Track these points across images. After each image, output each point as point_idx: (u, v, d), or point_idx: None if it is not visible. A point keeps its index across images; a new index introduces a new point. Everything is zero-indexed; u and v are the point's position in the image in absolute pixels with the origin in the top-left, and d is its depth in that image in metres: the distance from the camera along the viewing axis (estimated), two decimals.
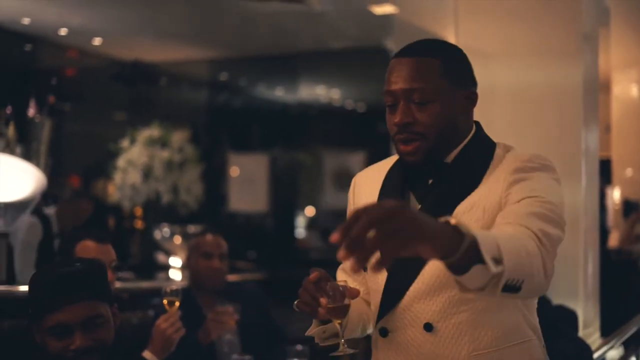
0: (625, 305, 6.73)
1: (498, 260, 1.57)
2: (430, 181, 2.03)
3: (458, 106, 2.02)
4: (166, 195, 8.00)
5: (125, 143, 8.18)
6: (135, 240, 8.47)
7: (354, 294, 1.97)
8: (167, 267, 7.02)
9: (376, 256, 1.44)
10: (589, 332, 4.38)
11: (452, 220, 1.53)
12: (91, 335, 2.31)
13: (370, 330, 2.19)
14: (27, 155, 6.66)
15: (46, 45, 9.32)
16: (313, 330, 2.07)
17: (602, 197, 9.93)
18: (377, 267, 1.48)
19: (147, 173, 7.94)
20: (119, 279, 6.56)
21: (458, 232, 1.52)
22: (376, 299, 2.06)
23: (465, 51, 4.49)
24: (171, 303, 3.09)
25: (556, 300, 3.96)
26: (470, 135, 2.07)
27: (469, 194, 1.98)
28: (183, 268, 6.37)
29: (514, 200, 1.87)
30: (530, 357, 2.01)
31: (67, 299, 2.30)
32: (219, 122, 11.31)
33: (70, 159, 9.87)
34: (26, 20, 8.36)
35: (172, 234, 7.07)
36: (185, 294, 4.06)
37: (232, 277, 4.95)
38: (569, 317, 3.81)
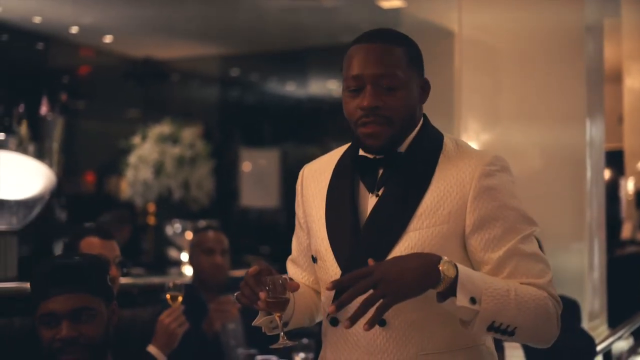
0: (637, 296, 6.71)
1: (475, 300, 1.83)
2: (381, 171, 2.05)
3: (417, 95, 2.05)
4: (177, 191, 8.05)
5: (136, 140, 8.23)
6: (148, 236, 8.52)
7: (294, 287, 1.99)
8: (178, 262, 7.06)
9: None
10: (596, 324, 4.38)
11: (441, 269, 1.82)
12: (78, 327, 2.36)
13: (319, 319, 2.21)
14: (40, 153, 6.72)
15: (58, 44, 9.38)
16: (260, 320, 2.09)
17: (616, 188, 9.90)
18: (369, 325, 1.79)
19: (158, 169, 7.99)
20: (129, 275, 6.62)
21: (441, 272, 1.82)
22: (327, 291, 2.05)
23: (468, 43, 4.52)
24: (174, 298, 3.11)
25: (560, 291, 3.95)
26: (419, 125, 2.09)
27: (427, 185, 2.00)
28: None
29: (497, 247, 1.97)
30: None
31: (59, 288, 2.36)
32: (231, 117, 11.34)
33: (84, 156, 9.94)
34: (37, 19, 8.42)
35: (184, 230, 7.11)
36: (190, 289, 4.10)
37: (241, 273, 4.96)
38: (570, 307, 3.79)
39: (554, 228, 4.22)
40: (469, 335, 2.01)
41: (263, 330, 2.12)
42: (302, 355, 3.71)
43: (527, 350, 3.44)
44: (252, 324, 2.12)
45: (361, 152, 2.09)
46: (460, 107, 4.68)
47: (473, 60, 4.58)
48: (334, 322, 2.06)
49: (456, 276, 1.82)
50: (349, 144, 2.20)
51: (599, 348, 3.91)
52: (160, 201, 8.16)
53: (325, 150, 2.26)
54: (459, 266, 1.84)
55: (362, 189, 2.07)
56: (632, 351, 4.90)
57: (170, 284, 3.13)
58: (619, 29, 8.41)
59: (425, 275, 1.81)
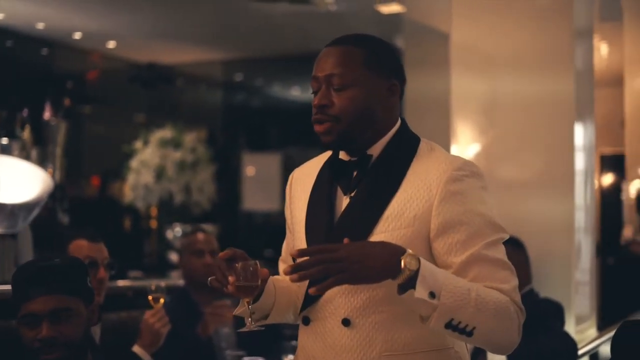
0: (637, 299, 6.71)
1: (435, 295, 1.85)
2: (355, 173, 2.10)
3: (378, 95, 2.08)
4: (178, 195, 8.11)
5: (138, 144, 8.30)
6: (150, 239, 8.59)
7: (264, 274, 2.04)
8: (178, 265, 7.10)
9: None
10: (584, 327, 4.40)
11: (403, 262, 1.85)
12: (57, 327, 2.42)
13: None
14: (43, 158, 6.78)
15: (61, 49, 9.45)
16: (240, 310, 2.13)
17: (618, 192, 9.91)
18: (319, 290, 1.86)
19: (160, 173, 8.05)
20: (127, 278, 6.66)
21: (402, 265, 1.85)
22: (302, 289, 2.12)
23: (459, 50, 4.55)
24: (156, 299, 3.17)
25: (546, 294, 3.99)
26: (395, 129, 2.13)
27: (396, 188, 2.04)
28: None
29: (461, 252, 1.98)
30: None
31: (39, 289, 2.43)
32: (235, 122, 11.40)
33: (90, 160, 10.00)
34: (40, 25, 8.49)
35: (184, 233, 7.16)
36: (181, 292, 4.15)
37: None
38: (555, 310, 3.83)
39: (542, 232, 4.25)
40: (436, 338, 2.03)
41: (245, 321, 2.17)
42: (291, 357, 3.75)
43: None
44: (233, 313, 2.18)
45: (340, 155, 2.14)
46: (453, 112, 4.71)
47: (465, 64, 4.61)
48: (306, 321, 2.12)
49: (418, 269, 1.84)
50: None
51: (585, 350, 3.94)
52: (162, 205, 8.23)
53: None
54: (422, 260, 1.87)
55: (340, 191, 2.12)
56: None
57: (153, 287, 3.18)
58: (620, 33, 8.42)
59: (386, 265, 1.85)
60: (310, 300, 2.08)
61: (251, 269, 1.99)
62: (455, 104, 4.65)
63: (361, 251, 1.86)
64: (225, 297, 3.92)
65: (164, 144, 8.17)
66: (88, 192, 9.69)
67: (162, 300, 3.17)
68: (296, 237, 2.19)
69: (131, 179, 8.22)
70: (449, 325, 1.88)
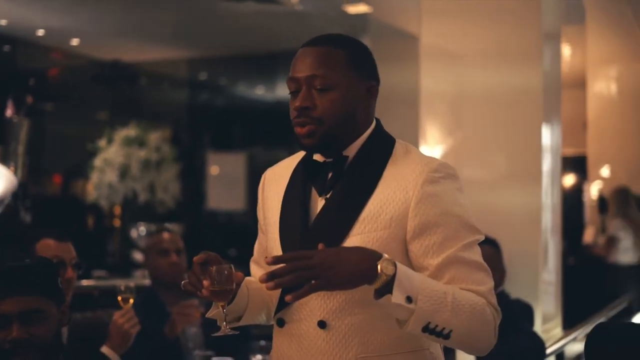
0: (597, 300, 6.80)
1: (411, 299, 1.85)
2: (330, 174, 2.08)
3: (358, 97, 2.07)
4: (143, 194, 8.06)
5: (102, 143, 8.23)
6: (114, 238, 8.52)
7: (239, 278, 2.03)
8: (143, 265, 7.06)
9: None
10: (550, 326, 4.45)
11: (379, 267, 1.84)
12: (28, 328, 2.38)
13: None
14: (5, 156, 6.70)
15: (24, 46, 9.35)
16: (213, 312, 2.12)
17: (580, 193, 10.03)
18: (295, 297, 1.84)
19: (124, 172, 7.99)
20: (92, 277, 6.61)
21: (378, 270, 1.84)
22: (276, 291, 2.10)
23: (429, 50, 4.57)
24: (125, 300, 3.14)
25: (514, 294, 4.02)
26: (370, 130, 2.12)
27: (372, 190, 2.03)
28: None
29: (437, 254, 1.98)
30: None
31: (9, 290, 2.39)
32: (200, 121, 11.37)
33: (52, 158, 9.91)
34: (3, 22, 8.39)
35: (149, 233, 7.11)
36: (148, 292, 4.12)
37: None
38: (526, 311, 3.87)
39: (510, 232, 4.29)
40: (412, 340, 2.02)
41: (218, 324, 2.15)
42: (259, 357, 3.74)
43: None
44: (206, 315, 2.15)
45: (314, 157, 2.13)
46: (422, 112, 4.73)
47: (434, 65, 4.64)
48: (280, 322, 2.10)
49: (394, 274, 1.84)
50: None
51: (552, 349, 3.98)
52: (126, 204, 8.17)
53: (293, 153, 2.28)
54: (399, 265, 1.86)
55: (314, 192, 2.11)
56: None
57: (122, 287, 3.15)
58: (583, 36, 8.52)
59: (362, 271, 1.84)
60: (285, 303, 2.06)
61: (226, 272, 1.97)
62: (424, 104, 4.67)
63: (336, 257, 1.85)
64: (192, 297, 3.90)
65: (128, 142, 8.11)
66: (50, 191, 9.59)
67: (131, 301, 3.14)
68: (270, 238, 2.17)
69: (95, 177, 8.14)
70: (426, 329, 1.89)
